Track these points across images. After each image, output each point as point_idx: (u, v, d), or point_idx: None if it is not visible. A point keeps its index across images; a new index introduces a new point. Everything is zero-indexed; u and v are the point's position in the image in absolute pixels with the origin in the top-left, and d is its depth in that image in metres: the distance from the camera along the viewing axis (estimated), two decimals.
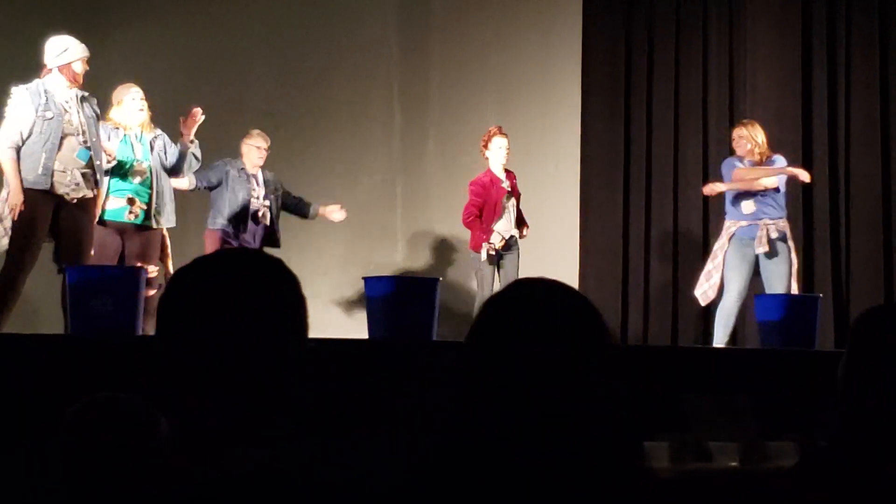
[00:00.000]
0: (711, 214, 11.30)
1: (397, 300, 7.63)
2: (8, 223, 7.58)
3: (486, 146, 9.56)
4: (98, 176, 7.87)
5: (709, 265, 9.36)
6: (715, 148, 11.44)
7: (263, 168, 9.26)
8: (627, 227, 11.42)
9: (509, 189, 9.47)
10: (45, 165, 7.58)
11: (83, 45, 7.87)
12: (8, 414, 5.69)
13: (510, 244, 9.42)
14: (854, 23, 11.47)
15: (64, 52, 7.80)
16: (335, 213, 9.44)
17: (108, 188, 8.19)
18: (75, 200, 7.73)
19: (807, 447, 5.71)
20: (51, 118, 7.63)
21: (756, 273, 9.17)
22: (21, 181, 7.56)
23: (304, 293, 1.90)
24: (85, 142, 7.76)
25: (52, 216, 7.70)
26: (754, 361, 7.60)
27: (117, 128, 8.32)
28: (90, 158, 7.76)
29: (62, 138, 7.66)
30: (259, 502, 1.71)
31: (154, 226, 8.36)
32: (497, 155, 9.47)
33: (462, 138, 11.31)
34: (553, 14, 11.62)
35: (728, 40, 11.57)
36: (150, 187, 8.33)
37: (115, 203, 8.24)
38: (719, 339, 9.14)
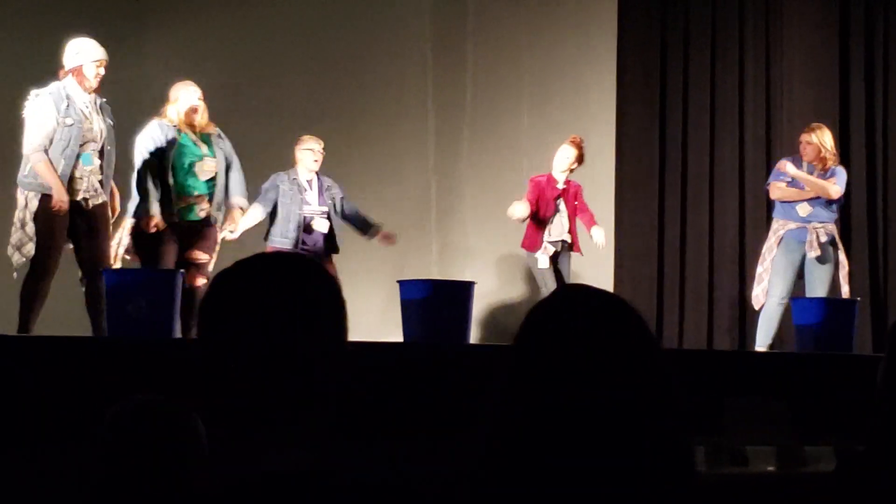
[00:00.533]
0: (747, 218, 11.27)
1: (432, 303, 7.64)
2: (30, 228, 7.59)
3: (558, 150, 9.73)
4: (110, 183, 7.86)
5: (759, 269, 9.32)
6: (751, 151, 11.40)
7: (321, 175, 9.17)
8: (663, 231, 11.39)
9: (563, 188, 9.51)
10: (62, 172, 7.56)
11: (99, 49, 7.81)
12: (45, 416, 5.72)
13: (563, 253, 9.48)
14: (892, 25, 11.41)
15: (76, 54, 7.76)
16: (388, 240, 9.34)
17: (176, 187, 8.13)
18: (92, 206, 7.74)
19: (844, 452, 5.68)
20: (71, 124, 7.60)
21: (800, 276, 9.13)
22: (61, 181, 7.55)
23: (343, 296, 1.90)
24: (101, 149, 7.75)
25: (70, 222, 7.70)
26: (791, 365, 7.57)
27: (175, 126, 8.22)
28: (101, 166, 7.75)
29: (81, 145, 7.66)
30: (296, 503, 1.72)
31: (213, 223, 8.31)
32: (557, 159, 9.60)
33: (496, 141, 11.31)
34: (588, 17, 11.61)
35: (765, 43, 11.52)
36: (215, 185, 8.29)
37: (183, 202, 8.18)
38: (761, 342, 9.10)
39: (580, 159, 9.65)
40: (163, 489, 2.94)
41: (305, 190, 9.03)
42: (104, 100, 7.89)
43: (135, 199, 8.12)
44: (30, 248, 7.58)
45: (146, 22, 10.16)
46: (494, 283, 10.69)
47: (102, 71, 7.80)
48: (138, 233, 8.12)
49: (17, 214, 7.64)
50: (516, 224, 9.71)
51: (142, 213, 8.08)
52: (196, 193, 8.21)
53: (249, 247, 8.87)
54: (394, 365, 6.47)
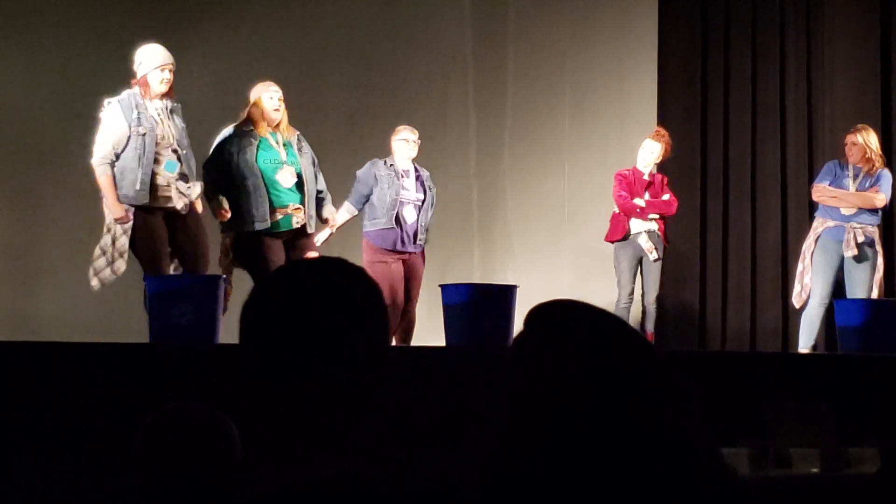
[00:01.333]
0: (790, 218, 11.22)
1: (474, 307, 7.64)
2: (121, 245, 7.56)
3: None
4: (192, 181, 7.84)
5: (799, 266, 9.28)
6: (793, 152, 11.35)
7: (419, 165, 9.10)
8: (705, 232, 11.36)
9: (649, 181, 9.53)
10: (142, 181, 7.53)
11: (161, 54, 7.76)
12: (90, 421, 5.76)
13: (654, 242, 9.41)
14: None
15: (139, 65, 7.74)
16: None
17: (270, 196, 7.97)
18: (185, 211, 7.74)
19: (889, 453, 5.66)
20: (144, 133, 7.56)
21: (839, 278, 9.08)
22: (117, 196, 7.53)
23: (384, 302, 1.91)
24: (176, 153, 7.73)
25: (168, 232, 7.70)
26: (834, 367, 7.53)
27: (253, 130, 8.08)
28: (179, 168, 7.72)
29: (158, 152, 7.62)
30: None
31: (308, 231, 8.17)
32: (641, 155, 9.64)
33: (537, 145, 11.31)
34: (629, 19, 11.59)
35: (806, 43, 11.48)
36: (303, 191, 8.14)
37: (279, 213, 8.03)
38: (804, 343, 9.06)
39: (666, 152, 9.64)
40: (197, 497, 2.95)
41: (403, 177, 8.93)
42: (175, 103, 7.83)
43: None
44: (119, 267, 7.57)
45: (186, 25, 10.21)
46: (537, 286, 10.68)
47: (168, 75, 7.74)
48: (240, 247, 7.99)
49: (104, 239, 7.60)
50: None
51: (215, 211, 7.95)
52: (291, 205, 8.06)
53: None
54: (436, 370, 6.48)
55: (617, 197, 9.45)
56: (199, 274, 7.64)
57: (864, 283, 8.99)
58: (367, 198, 8.89)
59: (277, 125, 8.18)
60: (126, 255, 7.59)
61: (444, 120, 11.18)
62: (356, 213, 8.91)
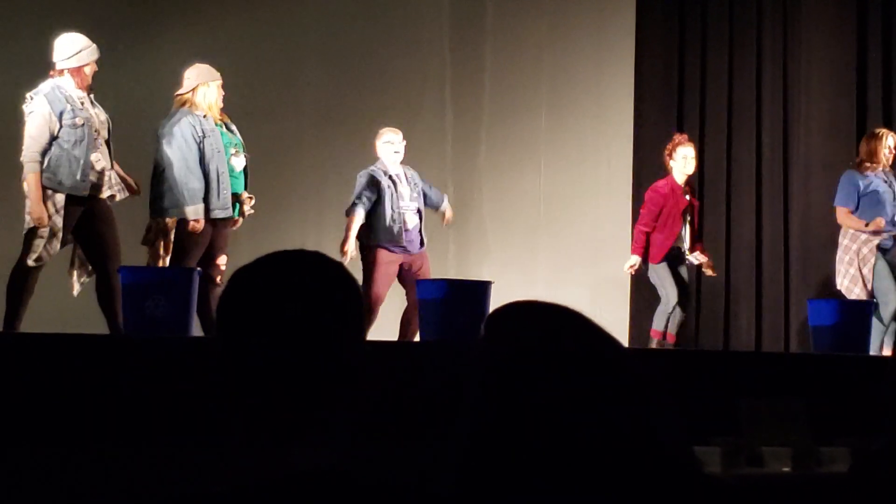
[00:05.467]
0: (764, 220, 11.25)
1: (449, 303, 7.65)
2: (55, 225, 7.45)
3: (670, 155, 9.37)
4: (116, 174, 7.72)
5: (845, 279, 9.18)
6: (768, 153, 11.38)
7: (406, 166, 8.97)
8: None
9: (688, 200, 9.39)
10: (82, 171, 7.39)
11: (96, 48, 7.62)
12: (62, 414, 5.74)
13: (681, 257, 9.38)
14: None
15: (76, 55, 7.54)
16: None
17: (217, 183, 7.86)
18: (114, 199, 7.65)
19: (861, 452, 5.68)
20: (82, 124, 7.42)
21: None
22: (41, 195, 7.29)
23: (361, 295, 1.91)
24: (106, 142, 7.62)
25: (83, 217, 7.51)
26: (808, 366, 7.56)
27: (206, 115, 7.91)
28: (109, 157, 7.61)
29: (95, 139, 7.50)
30: (318, 502, 1.72)
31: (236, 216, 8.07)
32: (681, 164, 9.32)
33: (514, 141, 11.31)
34: (606, 17, 11.61)
35: (782, 44, 11.50)
36: (247, 177, 8.08)
37: (234, 198, 7.96)
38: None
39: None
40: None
41: (399, 183, 8.80)
42: (92, 95, 7.67)
43: (172, 196, 7.77)
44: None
45: (161, 19, 10.16)
46: (512, 282, 10.69)
47: (96, 67, 7.64)
48: (170, 231, 7.81)
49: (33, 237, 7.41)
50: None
51: (183, 214, 7.78)
52: (244, 193, 8.00)
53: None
54: (411, 365, 6.48)
55: (637, 229, 9.31)
56: (110, 267, 7.48)
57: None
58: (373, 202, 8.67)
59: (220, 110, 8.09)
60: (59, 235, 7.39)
61: (420, 115, 11.17)
62: (363, 217, 8.64)
